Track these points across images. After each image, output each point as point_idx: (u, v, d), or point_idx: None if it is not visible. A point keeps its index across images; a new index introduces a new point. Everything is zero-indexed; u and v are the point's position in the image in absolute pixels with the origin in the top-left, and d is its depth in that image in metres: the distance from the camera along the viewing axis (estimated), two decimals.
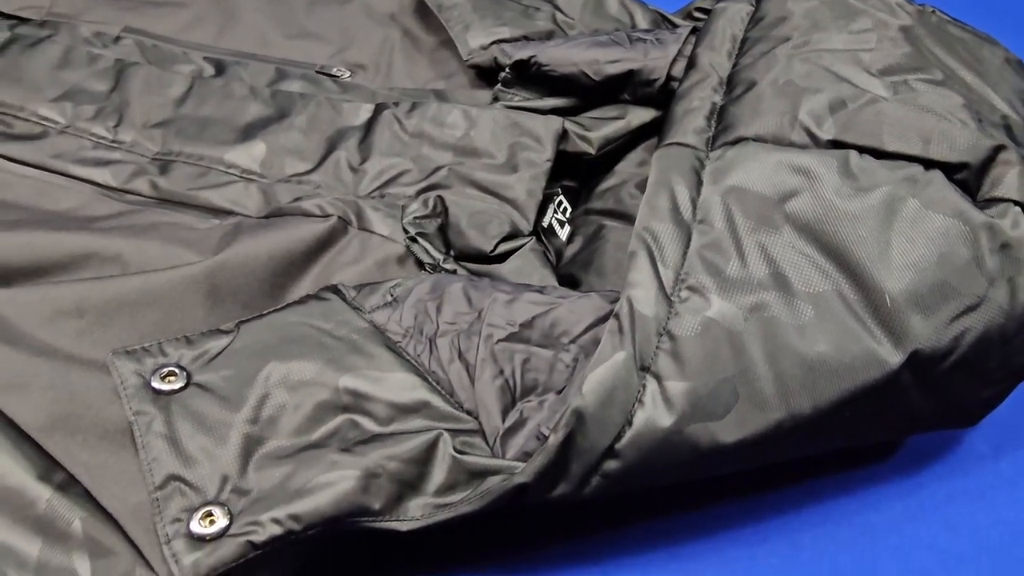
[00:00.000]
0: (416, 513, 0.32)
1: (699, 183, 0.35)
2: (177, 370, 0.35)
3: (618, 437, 0.31)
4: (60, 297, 0.37)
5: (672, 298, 0.32)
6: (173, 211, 0.44)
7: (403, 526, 0.32)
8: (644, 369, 0.31)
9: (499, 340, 0.35)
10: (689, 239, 0.33)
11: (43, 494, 0.30)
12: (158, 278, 0.38)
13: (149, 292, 0.38)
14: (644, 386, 0.31)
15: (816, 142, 0.34)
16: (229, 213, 0.44)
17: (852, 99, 0.35)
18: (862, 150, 0.34)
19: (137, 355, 0.35)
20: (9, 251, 0.40)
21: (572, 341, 0.35)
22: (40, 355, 0.35)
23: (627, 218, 0.46)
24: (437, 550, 0.36)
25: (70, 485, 0.31)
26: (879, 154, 0.33)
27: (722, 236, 0.33)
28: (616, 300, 0.35)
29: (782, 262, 0.32)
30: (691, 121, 0.37)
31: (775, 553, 0.36)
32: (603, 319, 0.35)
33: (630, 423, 0.31)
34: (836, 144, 0.34)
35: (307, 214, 0.43)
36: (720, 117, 0.37)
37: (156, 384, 0.34)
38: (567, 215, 0.48)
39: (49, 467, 0.31)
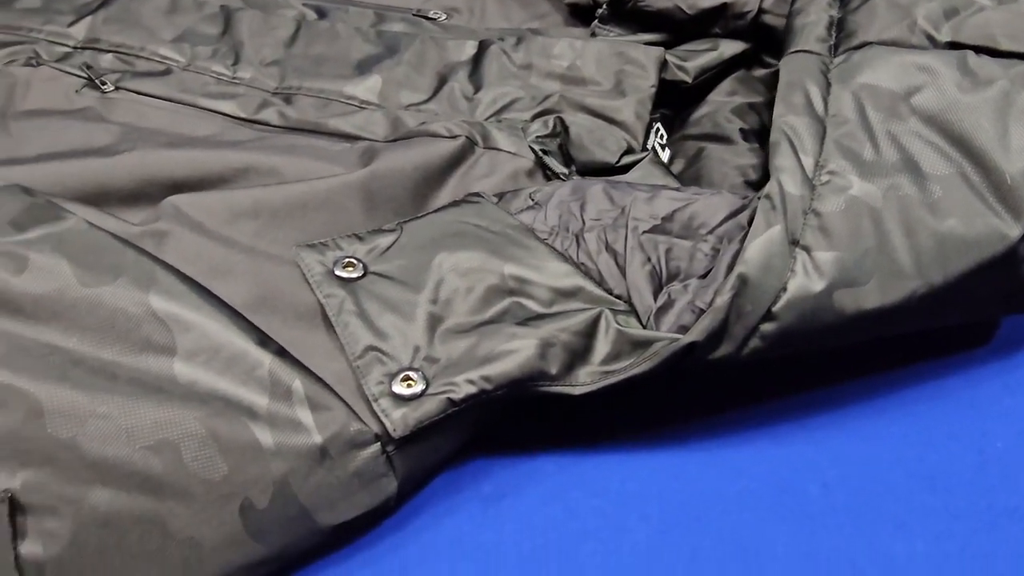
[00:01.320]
0: (585, 380, 0.36)
1: (827, 84, 0.38)
2: (355, 261, 0.38)
3: (775, 301, 0.35)
4: (237, 200, 0.40)
5: (814, 182, 0.36)
6: (305, 137, 0.47)
7: (575, 391, 0.36)
8: (794, 243, 0.35)
9: (644, 232, 0.39)
10: (824, 130, 0.37)
11: (264, 359, 0.34)
12: (320, 184, 0.41)
13: (314, 197, 0.41)
14: (795, 258, 0.35)
15: (935, 44, 0.38)
16: (358, 138, 0.47)
17: (963, 7, 0.39)
18: (978, 50, 0.38)
19: (318, 248, 0.38)
20: (174, 166, 0.43)
21: (710, 232, 0.39)
22: (232, 247, 0.38)
23: (727, 140, 0.50)
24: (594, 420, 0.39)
25: (283, 354, 0.34)
26: (994, 53, 0.37)
27: (855, 127, 0.37)
28: (745, 198, 0.39)
29: (911, 148, 0.36)
30: (812, 31, 0.41)
31: (895, 422, 0.40)
32: (737, 212, 0.39)
33: (785, 289, 0.35)
34: (954, 45, 0.38)
35: (435, 135, 0.46)
36: (840, 27, 0.41)
37: (339, 272, 0.38)
38: (664, 140, 0.51)
39: (264, 338, 0.35)
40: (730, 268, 0.36)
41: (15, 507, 0.30)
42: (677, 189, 0.41)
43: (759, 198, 0.37)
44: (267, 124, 0.48)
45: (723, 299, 0.34)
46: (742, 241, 0.37)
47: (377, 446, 0.34)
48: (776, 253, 0.35)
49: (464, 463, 0.39)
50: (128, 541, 0.31)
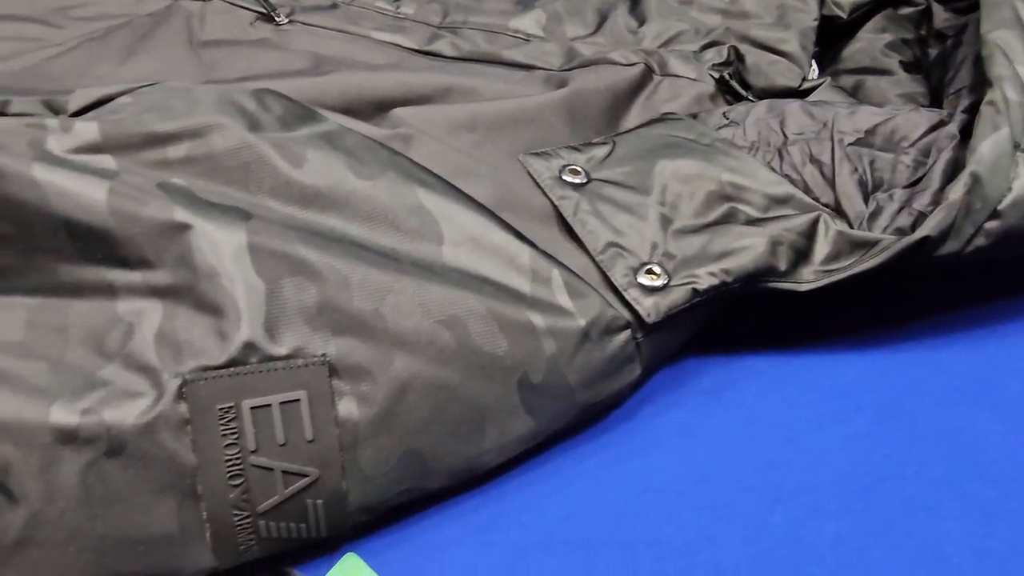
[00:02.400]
0: (809, 277, 0.38)
1: None
2: (578, 169, 0.40)
3: (1000, 200, 0.37)
4: (455, 113, 0.42)
5: None
6: (482, 67, 0.49)
7: (801, 287, 0.38)
8: (1016, 146, 0.37)
9: (849, 144, 0.41)
10: None
11: (523, 250, 0.35)
12: (529, 101, 0.43)
13: (524, 113, 0.43)
14: (1017, 161, 0.37)
15: None
16: (532, 67, 0.49)
17: None
18: None
19: (543, 156, 0.40)
20: (381, 84, 0.44)
21: (911, 145, 0.41)
22: (463, 153, 0.40)
23: (886, 72, 0.52)
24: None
25: (537, 247, 0.36)
26: None
27: None
28: (943, 113, 0.41)
29: None
30: None
31: None
32: (935, 127, 0.41)
33: (1010, 189, 0.37)
34: None
35: (612, 63, 0.48)
36: None
37: (565, 178, 0.40)
38: (816, 74, 0.53)
39: (517, 232, 0.36)
40: (946, 173, 0.38)
41: (332, 371, 0.31)
42: (874, 106, 0.43)
43: (963, 112, 0.40)
44: (441, 55, 0.50)
45: (956, 195, 0.36)
46: (954, 149, 0.39)
47: (628, 332, 0.36)
48: (1003, 154, 0.37)
49: (681, 361, 0.41)
50: (425, 405, 0.33)
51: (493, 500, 0.37)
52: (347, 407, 0.31)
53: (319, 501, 0.32)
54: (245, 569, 0.33)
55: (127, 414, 0.30)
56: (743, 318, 0.41)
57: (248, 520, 0.31)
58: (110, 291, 0.32)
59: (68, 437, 0.29)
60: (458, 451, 0.34)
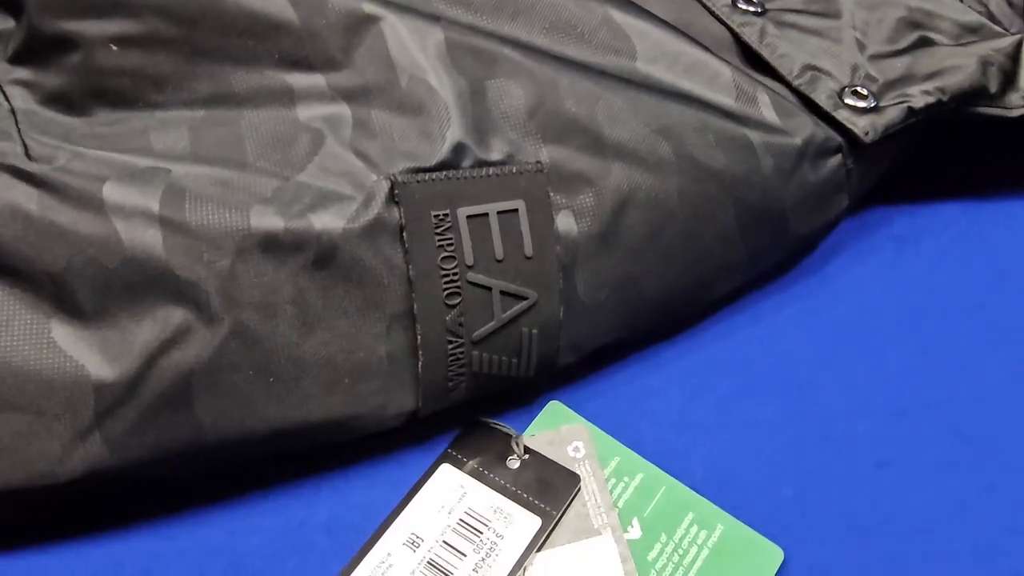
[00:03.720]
0: (1018, 103, 0.35)
1: None
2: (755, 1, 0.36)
3: None
4: None
5: None
6: None
7: (1011, 113, 0.35)
8: None
9: None
10: None
11: (723, 69, 0.32)
12: None
13: None
14: None
15: None
16: None
17: None
18: None
19: None
20: None
21: None
22: None
23: None
24: None
25: (738, 68, 0.32)
26: None
27: None
28: None
29: None
30: None
31: None
32: None
33: None
34: None
35: None
36: None
37: (742, 5, 0.36)
38: None
39: (713, 52, 0.33)
40: None
41: (548, 178, 0.28)
42: None
43: None
44: None
45: None
46: None
47: (840, 157, 0.33)
48: None
49: (868, 210, 0.37)
50: (643, 223, 0.29)
51: (693, 350, 0.33)
52: (565, 221, 0.28)
53: (534, 331, 0.28)
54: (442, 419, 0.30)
55: (335, 219, 0.26)
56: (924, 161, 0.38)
57: (461, 349, 0.27)
58: (288, 97, 0.28)
59: (271, 244, 0.25)
60: (671, 282, 0.30)
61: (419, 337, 0.26)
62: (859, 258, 0.36)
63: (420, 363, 0.27)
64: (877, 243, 0.36)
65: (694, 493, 0.29)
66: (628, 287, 0.29)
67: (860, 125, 0.32)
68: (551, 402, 0.31)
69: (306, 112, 0.27)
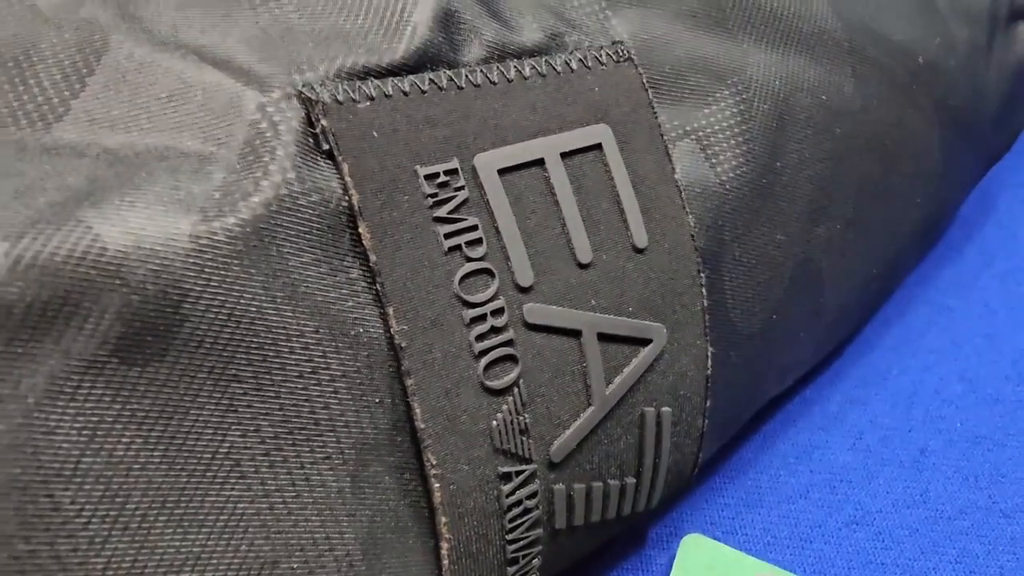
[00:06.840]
0: None
1: None
2: None
3: None
4: None
5: None
6: None
7: None
8: None
9: None
10: None
11: None
12: None
13: None
14: None
15: None
16: None
17: None
18: None
19: None
20: None
21: None
22: None
23: None
24: None
25: None
26: None
27: None
28: None
29: None
30: None
31: None
32: None
33: None
34: None
35: None
36: None
37: None
38: None
39: None
40: None
41: (641, 76, 0.13)
42: None
43: None
44: None
45: None
46: None
47: None
48: None
49: None
50: (816, 144, 0.15)
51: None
52: (691, 161, 0.13)
53: (664, 409, 0.13)
54: None
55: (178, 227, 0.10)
56: None
57: (531, 485, 0.12)
58: None
59: None
60: (865, 255, 0.16)
61: (430, 469, 0.11)
62: None
63: (441, 526, 0.11)
64: None
65: None
66: (807, 283, 0.15)
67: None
68: (687, 536, 0.15)
69: None
